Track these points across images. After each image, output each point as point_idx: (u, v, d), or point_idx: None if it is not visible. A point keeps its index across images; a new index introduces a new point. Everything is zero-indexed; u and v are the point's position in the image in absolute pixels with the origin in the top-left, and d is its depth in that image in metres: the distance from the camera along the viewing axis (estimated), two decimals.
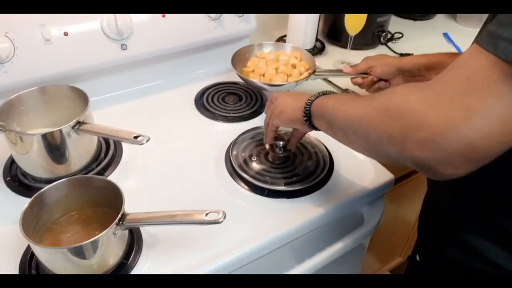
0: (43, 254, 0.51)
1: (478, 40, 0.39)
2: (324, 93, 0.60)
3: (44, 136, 0.64)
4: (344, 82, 0.96)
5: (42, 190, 0.55)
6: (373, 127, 0.45)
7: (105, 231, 0.50)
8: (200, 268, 0.56)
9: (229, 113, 0.86)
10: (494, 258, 0.51)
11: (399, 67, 0.79)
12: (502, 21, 0.37)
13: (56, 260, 0.51)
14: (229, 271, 0.59)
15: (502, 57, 0.36)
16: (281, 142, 0.71)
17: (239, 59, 0.90)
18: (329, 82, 0.98)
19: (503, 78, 0.36)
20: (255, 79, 0.85)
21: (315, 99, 0.58)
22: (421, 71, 0.77)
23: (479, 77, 0.37)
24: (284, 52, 0.94)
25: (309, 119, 0.59)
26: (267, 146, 0.71)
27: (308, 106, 0.59)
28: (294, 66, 0.89)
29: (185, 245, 0.60)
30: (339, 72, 0.88)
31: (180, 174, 0.72)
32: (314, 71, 0.88)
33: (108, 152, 0.74)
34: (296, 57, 0.92)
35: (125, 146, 0.76)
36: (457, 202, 0.56)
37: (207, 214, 0.51)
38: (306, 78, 0.86)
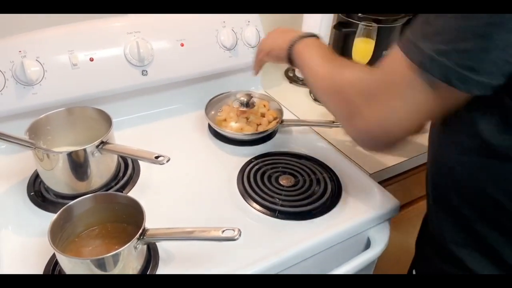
0: (68, 264, 0.54)
1: (399, 43, 0.47)
2: (310, 35, 0.68)
3: (70, 154, 0.68)
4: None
5: (69, 204, 0.58)
6: (324, 99, 0.62)
7: (127, 245, 0.53)
8: None
9: (242, 137, 0.90)
10: (478, 269, 0.53)
11: None
12: (415, 29, 0.45)
13: (78, 271, 0.54)
14: None
15: (416, 64, 0.44)
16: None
17: (212, 106, 0.93)
18: None
19: (413, 82, 0.45)
20: (227, 130, 0.88)
21: (296, 41, 0.67)
22: None
23: (395, 79, 0.48)
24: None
25: (291, 62, 0.69)
26: (255, 74, 0.85)
27: (290, 49, 0.68)
28: (263, 115, 0.92)
29: (199, 262, 0.62)
30: (305, 122, 0.94)
31: (194, 194, 0.75)
32: (282, 121, 0.91)
33: (126, 171, 0.78)
34: (264, 106, 0.94)
35: (142, 165, 0.80)
36: (441, 215, 0.58)
37: (223, 231, 0.54)
38: (275, 127, 0.89)
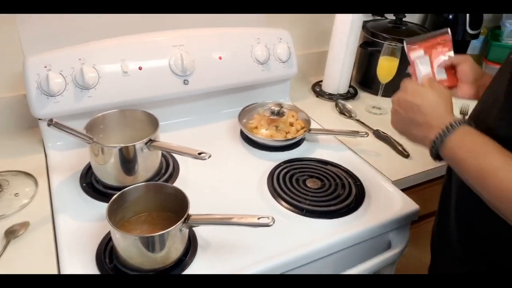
0: (122, 240, 0.61)
1: None
2: (465, 123, 0.53)
3: (121, 149, 0.76)
4: (375, 122, 1.06)
5: (123, 190, 0.66)
6: None
7: (173, 226, 0.61)
8: (245, 270, 0.65)
9: (272, 143, 0.97)
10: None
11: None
12: None
13: (130, 247, 0.61)
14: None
15: None
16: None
17: (244, 114, 1.01)
18: (361, 122, 1.09)
19: None
20: (259, 136, 0.95)
21: (449, 133, 0.53)
22: None
23: None
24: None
25: (436, 156, 0.56)
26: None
27: (437, 142, 0.54)
28: (291, 124, 1.00)
29: (233, 249, 0.69)
30: (331, 131, 1.00)
31: (228, 191, 0.82)
32: (310, 129, 0.98)
33: (168, 168, 0.86)
34: (293, 116, 1.02)
35: (181, 165, 0.88)
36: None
37: (259, 218, 0.61)
38: (302, 135, 0.96)
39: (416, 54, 0.73)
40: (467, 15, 1.33)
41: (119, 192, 0.65)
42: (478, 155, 0.50)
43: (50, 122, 0.67)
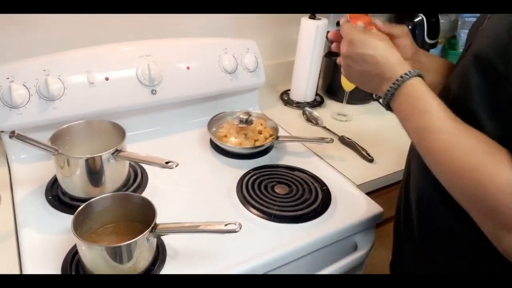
0: (89, 251, 0.60)
1: None
2: (419, 75, 0.54)
3: (87, 160, 0.76)
4: (340, 128, 1.10)
5: (90, 201, 0.66)
6: (461, 195, 0.46)
7: (140, 236, 0.61)
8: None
9: (240, 150, 0.98)
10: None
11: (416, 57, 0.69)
12: None
13: (96, 259, 0.61)
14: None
15: None
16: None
17: (214, 123, 1.03)
18: (327, 129, 1.12)
19: None
20: (228, 144, 0.97)
21: (403, 83, 0.53)
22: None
23: None
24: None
25: (387, 104, 0.57)
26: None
27: (388, 95, 0.55)
28: (260, 132, 1.02)
29: (201, 258, 0.69)
30: (298, 138, 1.03)
31: (197, 200, 0.83)
32: (278, 137, 1.00)
33: (136, 179, 0.86)
34: (261, 124, 1.04)
35: (150, 175, 0.88)
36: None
37: (226, 225, 0.62)
38: (271, 143, 0.99)
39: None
40: (425, 25, 1.40)
41: (85, 203, 0.65)
42: (421, 113, 0.50)
43: (12, 134, 0.66)
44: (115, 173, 0.81)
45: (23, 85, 0.84)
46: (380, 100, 0.58)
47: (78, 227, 0.63)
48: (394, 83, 0.54)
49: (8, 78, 0.83)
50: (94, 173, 0.77)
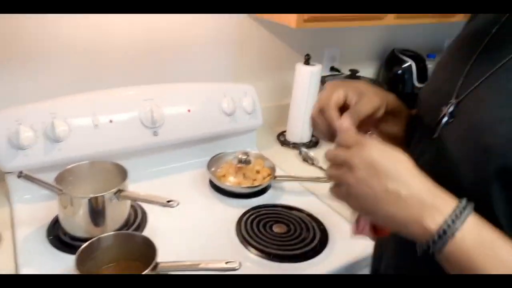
0: None
1: None
2: (463, 210, 0.39)
3: (90, 200, 0.78)
4: None
5: (93, 239, 0.67)
6: None
7: (143, 274, 0.62)
8: None
9: (239, 190, 1.01)
10: None
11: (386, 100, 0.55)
12: None
13: None
14: None
15: None
16: None
17: (213, 163, 1.06)
18: (323, 169, 1.15)
19: None
20: (227, 183, 0.99)
21: (458, 222, 0.38)
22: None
23: None
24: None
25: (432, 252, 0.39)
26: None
27: (443, 236, 0.38)
28: (258, 172, 1.05)
29: None
30: (295, 178, 1.06)
31: (197, 239, 0.84)
32: (275, 177, 1.03)
33: (136, 218, 0.88)
34: (259, 164, 1.07)
35: (150, 215, 0.90)
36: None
37: (226, 263, 0.63)
38: (269, 182, 1.02)
39: None
40: (414, 70, 1.48)
41: (87, 242, 0.66)
42: (490, 257, 0.37)
43: (20, 174, 0.68)
44: (116, 213, 0.82)
45: (30, 127, 0.88)
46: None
47: (80, 266, 0.64)
48: (451, 217, 0.38)
49: (16, 121, 0.87)
50: (96, 213, 0.79)
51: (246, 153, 1.05)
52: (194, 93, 1.08)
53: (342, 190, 0.45)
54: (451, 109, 0.47)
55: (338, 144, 0.47)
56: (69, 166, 0.84)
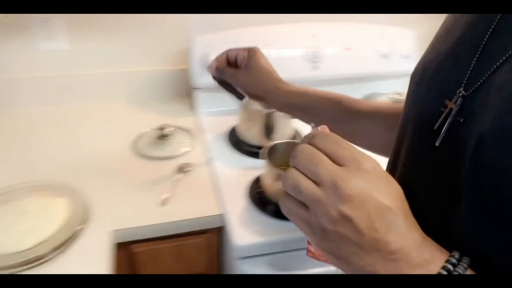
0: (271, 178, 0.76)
1: None
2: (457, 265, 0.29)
3: (266, 114, 0.92)
4: None
5: (275, 142, 0.82)
6: None
7: None
8: None
9: None
10: None
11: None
12: None
13: (279, 186, 0.76)
14: None
15: None
16: None
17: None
18: None
19: None
20: None
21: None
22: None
23: None
24: None
25: None
26: None
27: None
28: None
29: None
30: None
31: None
32: None
33: (296, 137, 1.01)
34: None
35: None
36: None
37: None
38: None
39: None
40: None
41: (272, 143, 0.81)
42: None
43: (215, 78, 0.70)
44: (283, 128, 0.96)
45: (218, 52, 1.05)
46: None
47: (267, 157, 0.79)
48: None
49: (207, 46, 1.05)
50: (268, 126, 0.94)
51: (398, 93, 1.08)
52: (352, 32, 1.14)
53: (311, 217, 0.31)
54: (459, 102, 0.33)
55: (315, 146, 0.32)
56: None
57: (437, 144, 0.34)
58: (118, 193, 0.81)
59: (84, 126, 1.05)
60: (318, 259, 0.45)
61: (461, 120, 0.32)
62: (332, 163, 0.31)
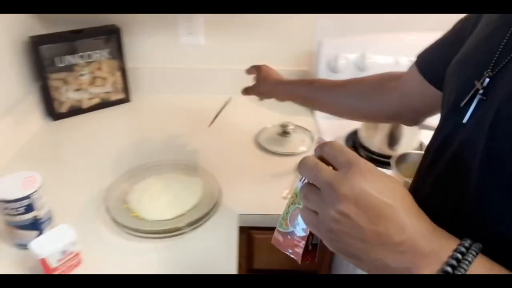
0: None
1: None
2: (467, 253, 0.30)
3: (393, 125, 0.90)
4: None
5: (405, 152, 0.80)
6: None
7: None
8: None
9: None
10: None
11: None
12: None
13: None
14: None
15: None
16: None
17: None
18: None
19: None
20: None
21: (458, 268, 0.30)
22: None
23: None
24: None
25: None
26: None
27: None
28: None
29: None
30: None
31: None
32: None
33: (422, 148, 0.97)
34: None
35: None
36: None
37: None
38: None
39: None
40: None
41: (402, 152, 0.79)
42: None
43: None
44: (410, 139, 0.93)
45: (346, 56, 1.06)
46: None
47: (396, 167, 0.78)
48: (452, 265, 0.30)
49: (336, 49, 1.06)
50: (393, 136, 0.92)
51: None
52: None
53: (319, 221, 0.34)
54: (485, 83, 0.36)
55: (319, 157, 0.36)
56: None
57: (464, 121, 0.37)
58: (243, 181, 0.87)
59: (212, 116, 1.13)
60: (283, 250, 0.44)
61: (484, 98, 0.36)
62: (330, 169, 0.34)
